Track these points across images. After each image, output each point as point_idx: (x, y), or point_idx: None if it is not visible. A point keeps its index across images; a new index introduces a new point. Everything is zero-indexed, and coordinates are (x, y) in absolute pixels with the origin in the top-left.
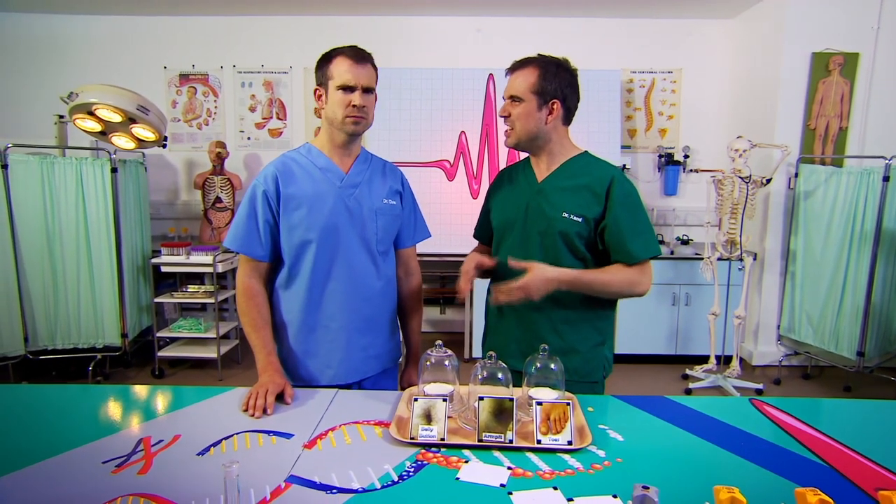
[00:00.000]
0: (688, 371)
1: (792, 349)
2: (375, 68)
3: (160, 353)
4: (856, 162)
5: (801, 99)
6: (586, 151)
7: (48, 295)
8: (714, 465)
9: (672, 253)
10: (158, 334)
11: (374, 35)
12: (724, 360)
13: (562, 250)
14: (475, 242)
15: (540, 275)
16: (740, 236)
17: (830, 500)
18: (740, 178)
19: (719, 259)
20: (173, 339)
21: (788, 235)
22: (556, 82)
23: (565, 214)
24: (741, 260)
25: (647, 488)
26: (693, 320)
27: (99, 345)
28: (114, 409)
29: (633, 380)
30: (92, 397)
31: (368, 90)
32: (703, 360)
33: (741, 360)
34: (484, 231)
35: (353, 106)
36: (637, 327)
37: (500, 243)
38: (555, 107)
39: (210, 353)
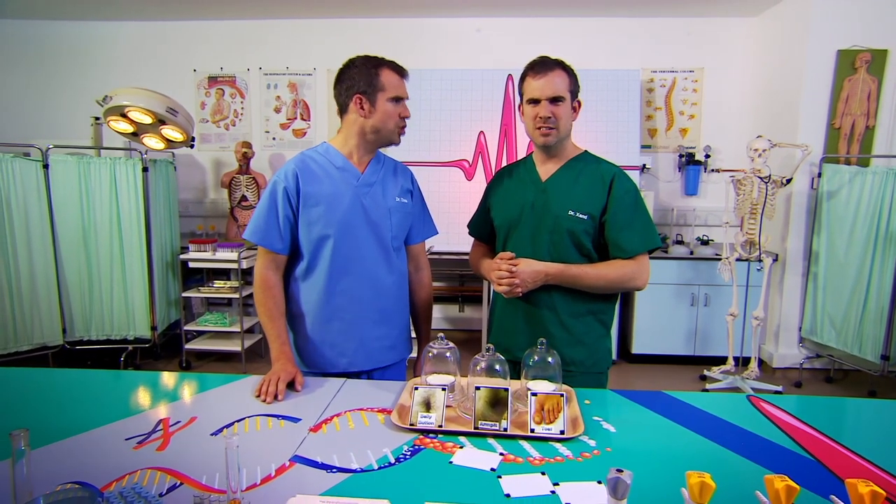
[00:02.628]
0: (706, 372)
1: (814, 352)
2: None
3: (187, 346)
4: (883, 161)
5: (826, 97)
6: (586, 151)
7: (84, 288)
8: (698, 454)
9: (691, 253)
10: (186, 328)
11: (394, 36)
12: (743, 362)
13: (569, 248)
14: None
15: (527, 268)
16: (759, 237)
17: (796, 486)
18: (759, 178)
19: (738, 260)
20: (200, 333)
21: (811, 236)
22: (576, 82)
23: (571, 212)
24: (760, 261)
25: (621, 471)
26: (712, 321)
27: (130, 337)
28: (138, 392)
29: (651, 380)
30: (118, 382)
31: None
32: (722, 361)
33: (761, 361)
34: (482, 228)
35: (403, 117)
36: (655, 328)
37: (506, 241)
38: (578, 105)
39: (235, 346)
